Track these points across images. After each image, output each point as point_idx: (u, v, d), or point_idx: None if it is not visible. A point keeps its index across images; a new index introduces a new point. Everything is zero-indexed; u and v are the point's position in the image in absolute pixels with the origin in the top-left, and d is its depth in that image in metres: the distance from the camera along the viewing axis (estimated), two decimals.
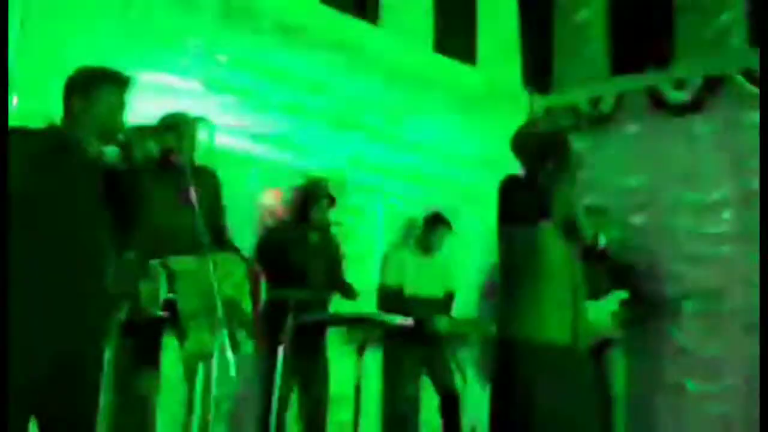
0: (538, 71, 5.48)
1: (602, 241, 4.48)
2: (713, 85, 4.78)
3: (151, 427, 2.91)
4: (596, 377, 4.34)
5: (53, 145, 2.23)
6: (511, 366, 2.67)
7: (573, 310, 2.73)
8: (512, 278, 2.78)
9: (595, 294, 4.38)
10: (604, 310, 4.36)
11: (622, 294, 4.42)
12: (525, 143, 2.86)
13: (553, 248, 2.75)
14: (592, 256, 4.47)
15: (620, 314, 4.39)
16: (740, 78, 4.63)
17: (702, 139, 4.82)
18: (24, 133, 2.25)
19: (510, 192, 2.80)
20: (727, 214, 4.66)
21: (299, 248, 3.66)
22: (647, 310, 4.51)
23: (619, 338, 4.38)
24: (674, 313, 4.61)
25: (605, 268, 4.45)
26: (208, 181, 2.98)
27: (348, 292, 3.80)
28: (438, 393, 4.16)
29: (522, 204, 2.75)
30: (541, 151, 2.80)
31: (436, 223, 4.27)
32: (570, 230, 2.78)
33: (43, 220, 2.17)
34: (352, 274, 4.12)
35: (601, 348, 4.35)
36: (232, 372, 2.27)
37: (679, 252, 4.80)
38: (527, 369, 2.61)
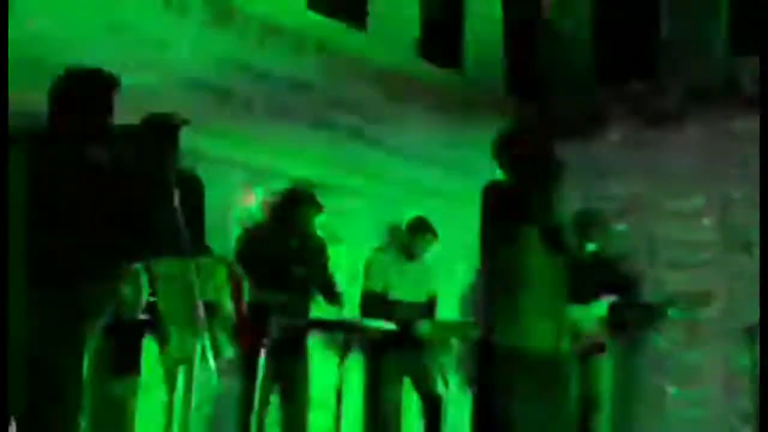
0: (523, 78, 5.52)
1: (591, 245, 4.54)
2: (696, 94, 4.85)
3: (130, 430, 2.89)
4: (580, 381, 4.38)
5: (40, 146, 2.22)
6: (492, 372, 2.68)
7: (556, 316, 2.74)
8: (494, 284, 2.80)
9: (584, 299, 4.42)
10: (592, 315, 4.39)
11: (611, 299, 4.45)
12: (508, 149, 2.88)
13: (536, 254, 2.76)
14: (580, 260, 4.52)
15: (608, 319, 4.42)
16: (723, 87, 4.69)
17: (684, 147, 4.88)
18: (11, 135, 2.24)
19: (492, 197, 2.81)
20: (707, 221, 4.71)
21: (278, 252, 3.65)
22: (636, 315, 4.54)
23: (608, 343, 4.41)
24: (660, 318, 4.65)
25: (594, 273, 4.48)
26: (190, 183, 2.97)
27: (334, 299, 3.80)
28: (420, 397, 4.17)
29: (504, 210, 2.77)
30: (526, 157, 2.82)
31: (420, 230, 4.28)
32: (554, 236, 2.79)
33: (28, 222, 2.16)
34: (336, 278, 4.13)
35: (587, 352, 4.38)
36: (213, 376, 2.26)
37: (660, 258, 4.85)
38: (509, 375, 2.62)
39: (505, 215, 2.75)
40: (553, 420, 2.61)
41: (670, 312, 4.58)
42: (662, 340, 4.74)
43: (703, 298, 4.52)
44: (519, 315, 2.68)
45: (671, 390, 4.68)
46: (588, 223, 4.53)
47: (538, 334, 2.67)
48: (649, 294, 4.68)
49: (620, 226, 5.03)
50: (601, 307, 4.40)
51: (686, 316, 4.64)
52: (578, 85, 5.38)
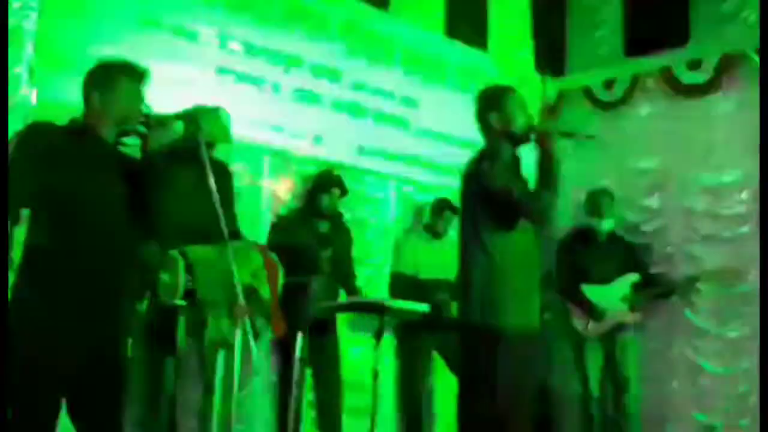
0: (551, 54, 5.44)
1: (609, 224, 4.49)
2: (729, 64, 4.72)
3: (174, 414, 2.96)
4: (608, 360, 4.36)
5: (74, 138, 2.27)
6: (476, 353, 2.67)
7: (537, 295, 2.73)
8: (488, 266, 2.75)
9: (606, 279, 4.38)
10: (615, 295, 4.36)
11: (633, 277, 4.40)
12: (486, 111, 2.83)
13: (515, 234, 2.73)
14: (598, 240, 4.47)
15: (632, 297, 4.38)
16: (756, 56, 4.56)
17: (718, 119, 4.77)
18: (46, 127, 2.29)
19: (468, 179, 2.80)
20: (744, 195, 4.62)
21: (309, 237, 3.69)
22: (660, 292, 4.50)
23: (634, 322, 4.38)
24: (688, 293, 4.59)
25: (613, 252, 4.44)
26: (220, 172, 3.00)
27: (352, 292, 3.81)
28: (456, 376, 4.18)
29: (477, 189, 2.74)
30: (504, 123, 2.75)
31: (443, 209, 4.32)
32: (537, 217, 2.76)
33: (65, 213, 2.21)
34: (365, 261, 4.15)
35: (613, 331, 4.35)
36: (254, 358, 2.31)
37: (695, 234, 4.77)
38: (492, 356, 2.61)
39: (479, 196, 2.73)
40: (533, 395, 2.64)
41: (702, 286, 4.52)
42: (698, 315, 4.68)
43: (732, 275, 4.44)
44: (503, 296, 2.65)
45: (706, 366, 4.63)
46: (597, 201, 4.50)
47: (521, 315, 2.66)
48: (684, 270, 4.63)
49: (654, 202, 4.96)
50: (623, 286, 4.37)
51: (721, 290, 4.57)
52: (608, 59, 5.28)
